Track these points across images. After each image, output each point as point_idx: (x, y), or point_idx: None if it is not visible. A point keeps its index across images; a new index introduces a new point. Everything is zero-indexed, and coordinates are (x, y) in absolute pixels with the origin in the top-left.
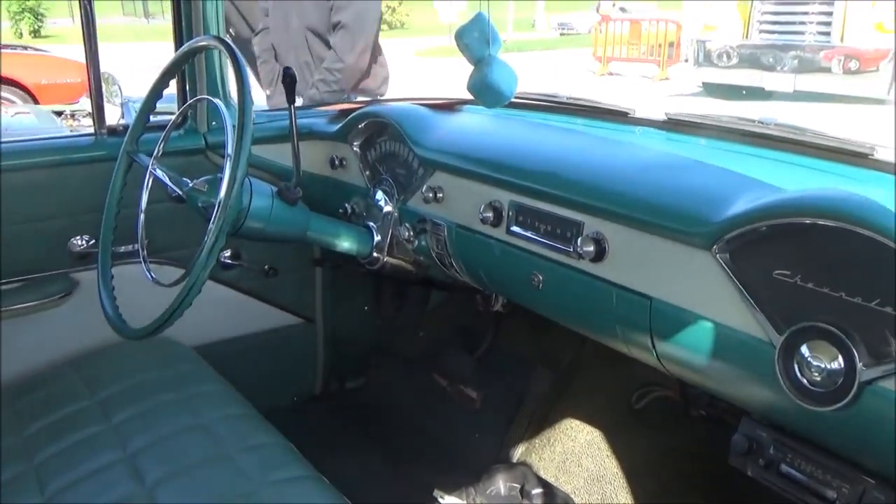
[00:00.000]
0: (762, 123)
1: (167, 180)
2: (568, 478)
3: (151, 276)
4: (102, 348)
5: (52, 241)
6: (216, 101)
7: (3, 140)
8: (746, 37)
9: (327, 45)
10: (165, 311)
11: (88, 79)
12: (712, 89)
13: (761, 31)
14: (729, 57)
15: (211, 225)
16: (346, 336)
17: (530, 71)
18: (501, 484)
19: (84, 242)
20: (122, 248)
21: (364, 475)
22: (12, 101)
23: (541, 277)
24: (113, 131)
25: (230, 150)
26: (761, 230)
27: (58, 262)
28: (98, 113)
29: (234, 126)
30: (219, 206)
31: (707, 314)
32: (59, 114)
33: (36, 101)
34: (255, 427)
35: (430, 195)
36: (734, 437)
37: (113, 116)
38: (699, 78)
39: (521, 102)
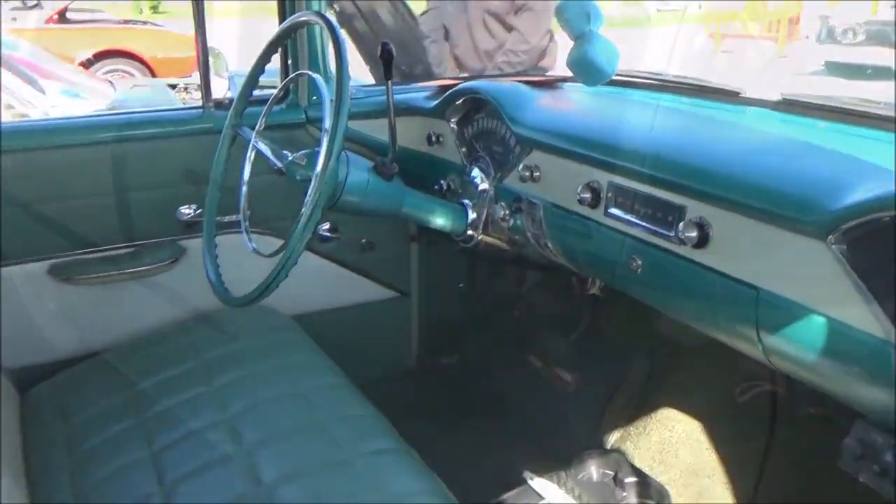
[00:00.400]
0: (887, 105)
1: (269, 153)
2: (664, 468)
3: (252, 246)
4: (207, 313)
5: (162, 209)
6: (316, 75)
7: (118, 112)
8: (875, 12)
9: (505, 26)
10: (264, 280)
11: (197, 53)
12: (834, 68)
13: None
14: (854, 34)
15: (308, 198)
16: (440, 312)
17: (635, 48)
18: (594, 470)
19: (191, 211)
20: (226, 219)
21: (454, 452)
22: (131, 75)
23: (639, 262)
24: (219, 104)
25: (327, 124)
26: (883, 220)
27: (167, 229)
28: (205, 86)
29: (332, 101)
30: (315, 180)
31: (820, 308)
32: (173, 87)
33: (153, 75)
34: (349, 398)
35: (527, 174)
36: (846, 441)
37: (222, 90)
38: (821, 56)
39: (623, 80)
